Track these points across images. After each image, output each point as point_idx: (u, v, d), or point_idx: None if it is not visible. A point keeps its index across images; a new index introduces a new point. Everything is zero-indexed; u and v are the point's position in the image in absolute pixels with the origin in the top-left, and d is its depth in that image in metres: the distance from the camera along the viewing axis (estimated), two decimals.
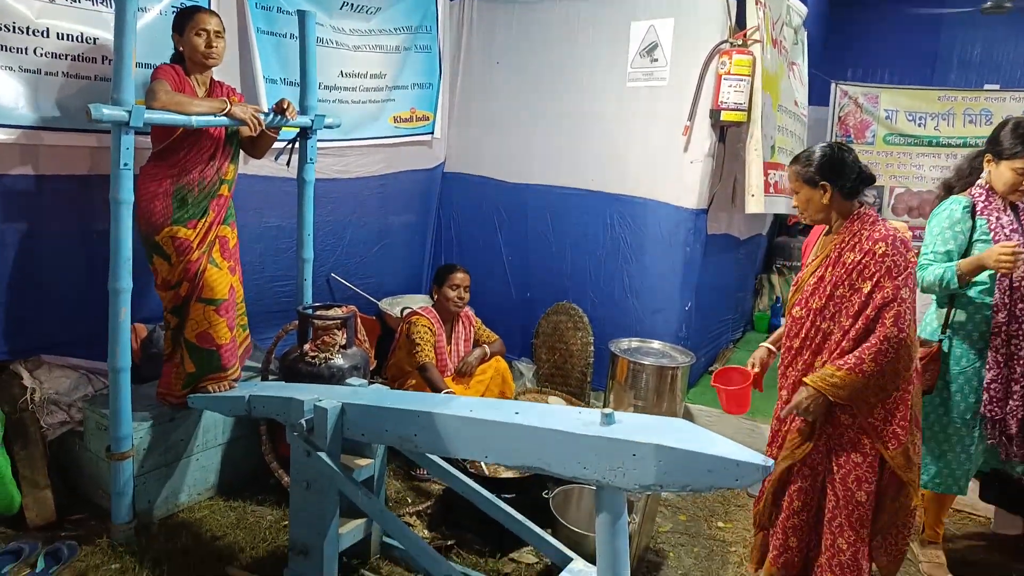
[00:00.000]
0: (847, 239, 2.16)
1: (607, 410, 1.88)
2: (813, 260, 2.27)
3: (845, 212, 2.20)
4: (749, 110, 3.71)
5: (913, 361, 2.14)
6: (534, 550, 2.75)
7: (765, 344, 2.55)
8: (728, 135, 3.94)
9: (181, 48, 2.75)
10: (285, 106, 2.90)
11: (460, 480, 2.53)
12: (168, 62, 2.75)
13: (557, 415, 2.00)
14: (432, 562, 2.14)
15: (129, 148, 2.44)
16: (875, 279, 2.07)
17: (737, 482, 1.70)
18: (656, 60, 3.93)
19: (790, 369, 2.30)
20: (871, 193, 5.81)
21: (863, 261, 2.10)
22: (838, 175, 2.16)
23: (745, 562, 2.77)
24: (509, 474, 3.03)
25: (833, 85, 5.80)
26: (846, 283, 2.12)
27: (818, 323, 2.19)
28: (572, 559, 2.27)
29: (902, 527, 2.25)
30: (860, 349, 2.07)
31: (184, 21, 2.71)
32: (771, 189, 3.94)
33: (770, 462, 1.69)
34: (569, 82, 4.24)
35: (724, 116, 3.69)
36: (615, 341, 3.83)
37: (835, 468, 2.21)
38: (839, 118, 5.85)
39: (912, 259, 2.11)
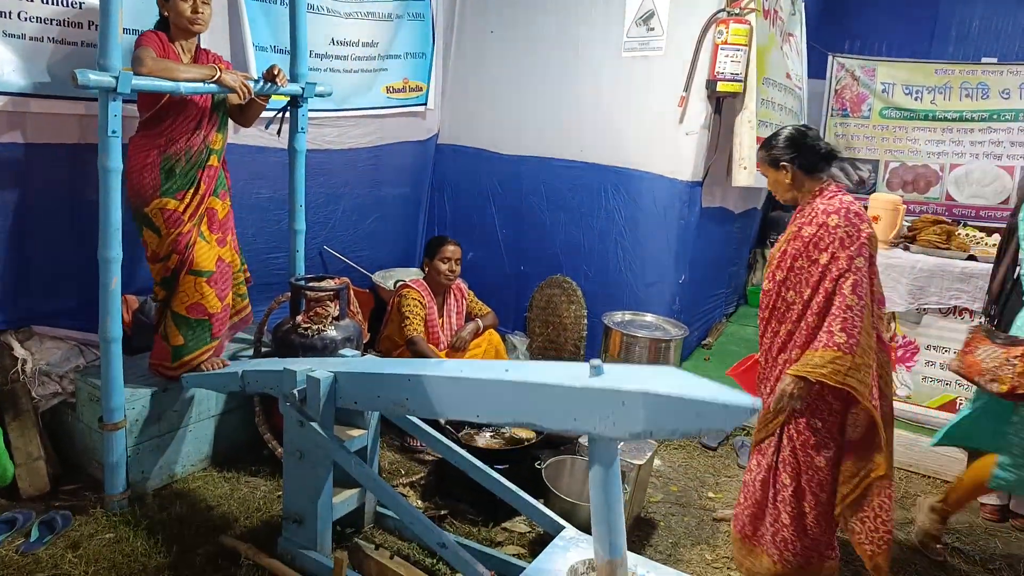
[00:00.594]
0: (807, 213, 2.23)
1: (595, 361, 1.86)
2: (782, 236, 2.33)
3: (811, 189, 2.26)
4: (745, 80, 3.67)
5: (874, 331, 2.16)
6: (526, 520, 2.78)
7: None
8: (724, 106, 3.90)
9: (166, 14, 2.69)
10: (276, 72, 2.85)
11: (453, 451, 2.54)
12: (152, 29, 2.70)
13: (546, 370, 1.98)
14: (425, 530, 2.16)
15: (117, 115, 2.40)
16: (829, 251, 2.12)
17: (725, 424, 1.69)
18: (652, 29, 3.88)
19: (764, 338, 2.37)
20: (866, 167, 5.80)
21: (818, 233, 2.16)
22: (797, 153, 2.24)
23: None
24: (501, 445, 3.05)
25: (830, 57, 5.74)
26: (804, 255, 2.18)
27: (782, 294, 2.25)
28: (564, 527, 2.28)
29: (880, 510, 2.23)
30: (826, 323, 2.11)
31: None
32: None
33: (758, 402, 1.68)
34: (564, 52, 4.19)
35: (720, 87, 3.66)
36: (608, 314, 3.83)
37: (797, 436, 2.25)
38: (836, 91, 5.80)
39: (866, 230, 2.14)
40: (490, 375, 1.98)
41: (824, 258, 2.13)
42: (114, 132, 2.40)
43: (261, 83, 2.85)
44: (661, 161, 3.93)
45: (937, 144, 5.64)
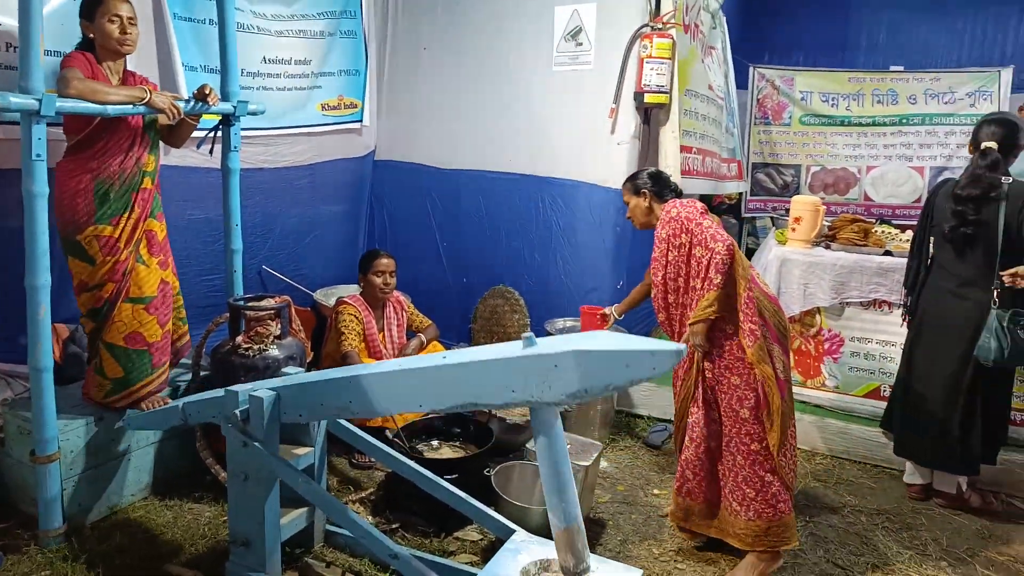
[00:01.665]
0: (658, 226, 2.74)
1: (527, 334, 1.90)
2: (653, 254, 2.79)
3: (658, 212, 2.79)
4: (670, 92, 3.82)
5: (747, 270, 2.58)
6: (478, 528, 2.80)
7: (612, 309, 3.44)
8: (652, 117, 4.05)
9: (91, 35, 2.64)
10: (207, 92, 2.83)
11: (402, 462, 2.55)
12: (77, 49, 2.64)
13: (481, 351, 2.02)
14: (375, 543, 2.16)
15: (41, 139, 2.34)
16: (684, 232, 2.61)
17: (654, 370, 1.74)
18: (581, 44, 4.00)
19: (669, 324, 2.79)
20: (789, 172, 6.07)
21: (669, 228, 2.67)
22: (655, 185, 2.82)
23: None
24: (450, 455, 3.07)
25: (751, 68, 6.01)
26: (670, 248, 2.66)
27: (670, 285, 2.71)
28: (515, 531, 2.32)
29: (793, 439, 2.62)
30: (706, 278, 2.55)
31: (94, 7, 2.60)
32: (689, 171, 4.07)
33: (683, 347, 1.76)
34: (496, 67, 4.28)
35: (648, 98, 3.80)
36: (551, 322, 3.91)
37: (721, 398, 2.58)
38: (758, 100, 6.06)
39: (700, 208, 2.64)
40: (428, 363, 2.01)
41: (684, 238, 2.61)
42: (38, 156, 2.34)
43: (192, 103, 2.82)
44: (594, 171, 4.04)
45: (854, 148, 5.96)
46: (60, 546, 2.55)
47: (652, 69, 3.74)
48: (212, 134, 3.06)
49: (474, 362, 1.90)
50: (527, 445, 3.05)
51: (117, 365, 2.71)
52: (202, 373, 3.13)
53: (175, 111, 2.67)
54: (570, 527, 1.93)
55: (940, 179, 3.30)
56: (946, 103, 5.66)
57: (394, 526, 2.80)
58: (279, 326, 2.99)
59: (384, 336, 3.53)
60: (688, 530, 2.75)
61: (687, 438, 2.67)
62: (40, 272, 2.42)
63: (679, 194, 2.85)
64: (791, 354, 2.76)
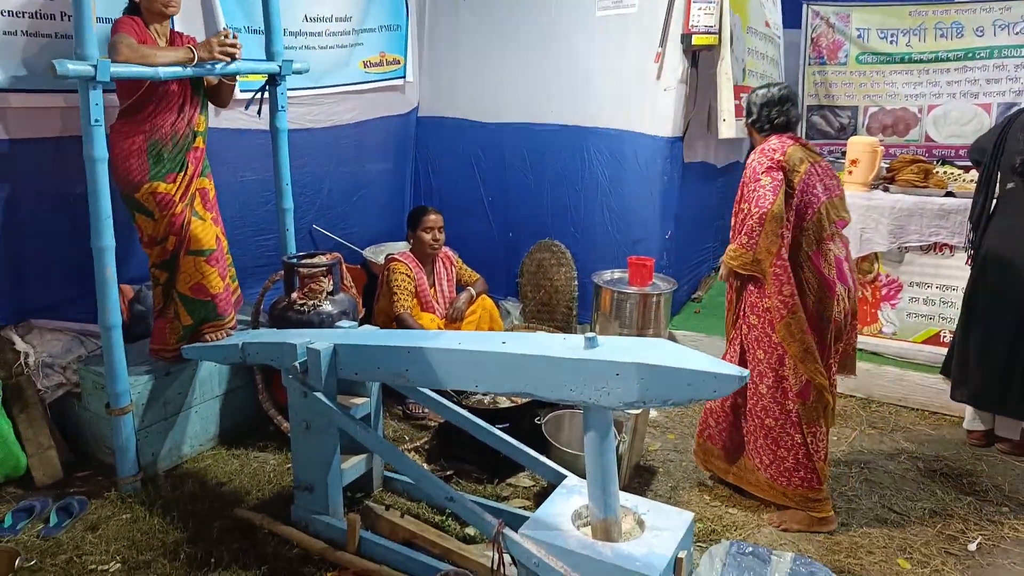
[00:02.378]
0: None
1: (590, 334, 1.94)
2: None
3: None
4: (720, 33, 3.69)
5: (779, 239, 2.46)
6: (530, 474, 2.87)
7: None
8: (700, 60, 3.93)
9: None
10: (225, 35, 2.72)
11: (456, 412, 2.61)
12: (125, 14, 2.69)
13: (543, 342, 2.07)
14: (432, 486, 2.24)
15: (99, 104, 2.42)
16: (747, 178, 2.57)
17: (715, 393, 1.79)
18: None
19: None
20: (845, 114, 5.83)
21: (746, 167, 2.59)
22: (755, 110, 2.66)
23: None
24: (503, 404, 3.13)
25: (805, 6, 5.74)
26: (742, 180, 2.61)
27: (738, 213, 2.65)
28: (566, 476, 2.37)
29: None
30: (741, 226, 2.55)
31: None
32: (743, 114, 3.95)
33: (745, 373, 1.78)
34: (537, 15, 4.19)
35: (695, 40, 3.68)
36: (598, 273, 3.90)
37: (749, 363, 2.60)
38: (812, 40, 5.80)
39: (776, 159, 2.49)
40: (488, 347, 2.05)
41: (744, 187, 2.59)
42: (97, 121, 2.42)
43: (221, 64, 2.76)
44: (640, 119, 3.96)
45: (914, 86, 5.67)
46: (137, 492, 2.71)
47: (700, 9, 3.62)
48: (259, 94, 3.10)
49: (537, 356, 1.93)
50: None
51: (186, 313, 2.85)
52: (261, 329, 3.24)
53: (228, 49, 2.66)
54: (608, 518, 2.00)
55: (1012, 111, 3.11)
56: (1017, 33, 5.31)
57: (448, 473, 2.88)
58: (331, 282, 3.06)
59: (435, 291, 3.58)
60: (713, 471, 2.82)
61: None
62: (105, 234, 2.53)
63: (788, 125, 2.65)
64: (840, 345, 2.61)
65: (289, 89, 3.28)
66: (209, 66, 2.68)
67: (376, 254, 4.28)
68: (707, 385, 1.76)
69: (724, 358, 2.66)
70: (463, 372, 2.10)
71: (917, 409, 3.50)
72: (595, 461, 1.99)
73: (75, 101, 2.47)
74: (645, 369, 1.79)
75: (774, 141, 2.57)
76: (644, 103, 3.94)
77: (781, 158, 2.51)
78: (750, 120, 2.68)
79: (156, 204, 2.72)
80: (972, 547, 2.46)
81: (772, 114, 2.62)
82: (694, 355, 1.85)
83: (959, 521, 2.60)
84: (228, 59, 2.69)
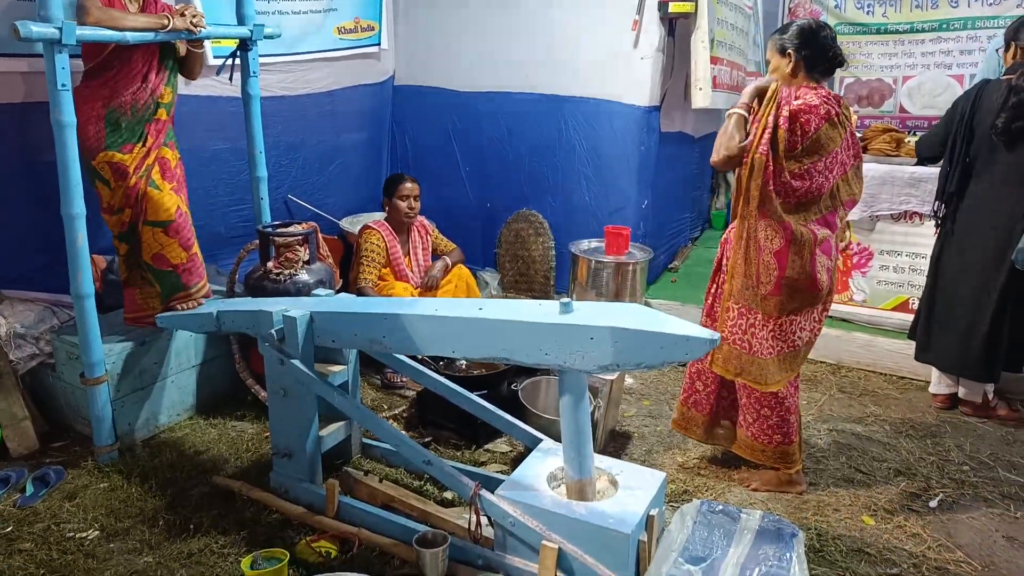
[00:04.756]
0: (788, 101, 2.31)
1: (565, 299, 1.97)
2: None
3: (800, 84, 2.37)
4: (696, 0, 3.69)
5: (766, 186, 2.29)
6: (507, 440, 2.91)
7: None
8: (677, 28, 3.92)
9: None
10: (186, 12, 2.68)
11: (434, 379, 2.64)
12: None
13: (518, 308, 2.09)
14: (410, 450, 2.27)
15: (65, 68, 2.36)
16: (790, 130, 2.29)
17: (687, 355, 1.85)
18: None
19: None
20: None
21: (789, 117, 2.27)
22: (804, 46, 2.34)
23: None
24: (480, 372, 3.16)
25: None
26: (777, 128, 2.29)
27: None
28: (542, 439, 2.41)
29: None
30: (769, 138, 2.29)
31: None
32: (715, 84, 3.96)
33: (716, 336, 1.82)
34: None
35: (672, 8, 3.68)
36: (575, 243, 3.92)
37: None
38: (789, 9, 5.79)
39: (830, 114, 2.28)
40: (465, 313, 2.07)
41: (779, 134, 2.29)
42: (63, 85, 2.37)
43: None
44: (617, 87, 3.96)
45: (890, 57, 5.70)
46: (114, 461, 2.71)
47: None
48: (230, 60, 3.05)
49: (512, 321, 1.96)
50: None
51: (156, 280, 2.84)
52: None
53: (198, 21, 2.62)
54: (582, 479, 2.05)
55: (975, 85, 3.16)
56: (990, 4, 5.35)
57: (426, 440, 2.91)
58: (307, 251, 3.05)
59: (410, 260, 3.58)
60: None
61: None
62: (75, 201, 2.49)
63: (833, 67, 2.41)
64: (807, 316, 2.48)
65: (261, 55, 3.22)
66: (177, 33, 2.63)
67: (353, 225, 4.25)
68: (679, 348, 1.81)
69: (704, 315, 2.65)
70: (440, 338, 2.12)
71: (885, 374, 3.59)
72: (570, 423, 2.04)
73: (39, 66, 2.41)
74: (619, 333, 1.83)
75: (823, 92, 2.30)
76: (621, 72, 3.93)
77: (828, 109, 2.27)
78: (800, 56, 2.35)
79: (112, 173, 2.67)
80: (933, 504, 2.55)
81: (832, 54, 2.35)
82: (667, 319, 1.89)
83: (922, 480, 2.69)
84: (196, 29, 2.64)
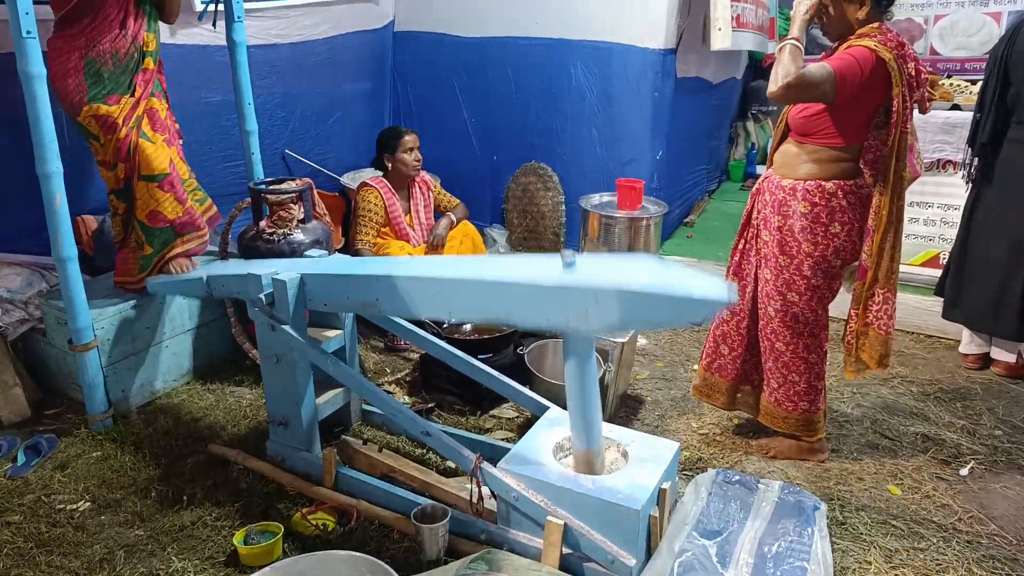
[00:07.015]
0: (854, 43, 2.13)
1: (568, 253, 1.79)
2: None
3: (865, 25, 2.16)
4: None
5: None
6: (513, 406, 2.79)
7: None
8: None
9: None
10: None
11: (436, 344, 2.51)
12: None
13: (519, 266, 1.93)
14: (408, 420, 2.15)
15: (29, 13, 2.19)
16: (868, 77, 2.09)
17: (701, 316, 1.66)
18: None
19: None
20: None
21: (853, 61, 2.08)
22: None
23: None
24: (490, 335, 3.03)
25: None
26: (848, 78, 2.09)
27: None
28: (548, 407, 2.28)
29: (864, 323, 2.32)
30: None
31: None
32: (738, 23, 3.70)
33: (734, 293, 1.64)
34: None
35: None
36: (586, 197, 3.74)
37: (760, 279, 2.38)
38: None
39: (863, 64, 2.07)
40: (460, 274, 1.93)
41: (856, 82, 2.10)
42: (29, 32, 2.20)
43: None
44: (630, 29, 3.71)
45: None
46: (108, 429, 2.63)
47: None
48: (213, 5, 2.85)
49: (512, 283, 1.79)
50: None
51: (147, 242, 2.71)
52: (230, 259, 3.09)
53: None
54: (590, 450, 1.91)
55: (1019, 22, 2.90)
56: None
57: (430, 406, 2.81)
58: (302, 209, 2.90)
59: (411, 218, 3.42)
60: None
61: (724, 309, 2.44)
62: (50, 159, 2.34)
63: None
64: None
65: (253, 0, 3.02)
66: None
67: (354, 180, 4.08)
68: (690, 309, 1.63)
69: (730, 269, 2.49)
70: (435, 300, 1.97)
71: (913, 333, 3.42)
72: (576, 391, 1.90)
73: (3, 13, 2.24)
74: (626, 295, 1.65)
75: (869, 48, 2.07)
76: (634, 12, 3.68)
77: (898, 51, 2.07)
78: None
79: (100, 127, 2.52)
80: (964, 472, 2.41)
81: None
82: (677, 275, 1.70)
83: (952, 446, 2.55)
84: None
